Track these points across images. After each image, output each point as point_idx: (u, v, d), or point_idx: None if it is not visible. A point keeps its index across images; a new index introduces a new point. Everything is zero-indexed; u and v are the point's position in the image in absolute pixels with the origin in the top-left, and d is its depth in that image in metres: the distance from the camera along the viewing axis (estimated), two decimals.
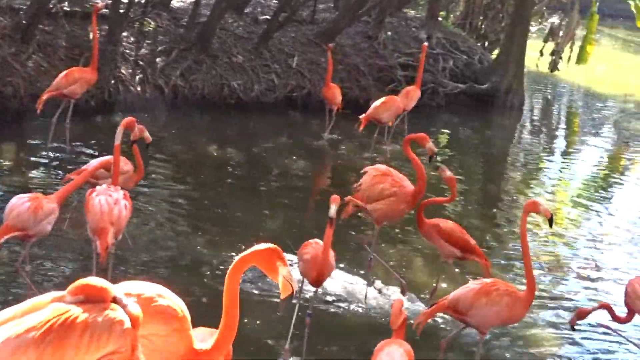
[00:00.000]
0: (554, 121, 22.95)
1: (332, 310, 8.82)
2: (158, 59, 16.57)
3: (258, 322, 8.04)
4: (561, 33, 23.56)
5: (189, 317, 4.54)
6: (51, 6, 15.73)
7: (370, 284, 9.32)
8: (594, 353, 8.76)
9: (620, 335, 8.51)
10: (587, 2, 23.66)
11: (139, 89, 15.90)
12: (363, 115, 14.25)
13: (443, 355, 7.65)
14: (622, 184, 16.20)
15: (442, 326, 8.67)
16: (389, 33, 20.48)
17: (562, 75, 25.01)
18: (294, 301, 7.68)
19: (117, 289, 3.77)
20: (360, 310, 8.90)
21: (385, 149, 15.24)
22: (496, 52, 22.70)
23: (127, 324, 3.69)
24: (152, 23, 17.42)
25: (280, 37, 18.47)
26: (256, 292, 8.78)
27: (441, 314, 7.99)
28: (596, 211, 13.76)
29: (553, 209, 7.97)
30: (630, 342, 8.46)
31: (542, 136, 20.26)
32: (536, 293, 7.54)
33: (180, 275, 9.08)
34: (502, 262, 10.74)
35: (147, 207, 11.04)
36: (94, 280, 3.76)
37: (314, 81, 17.86)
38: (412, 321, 8.55)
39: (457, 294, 7.44)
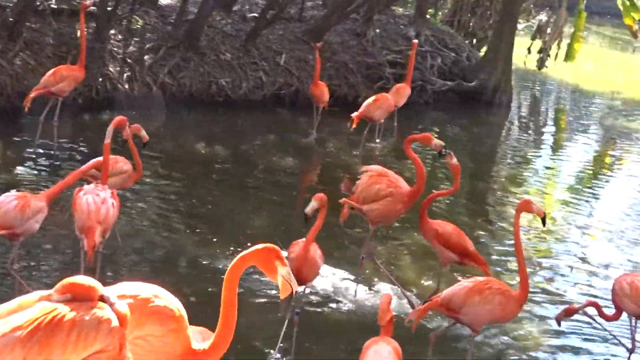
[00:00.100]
0: (542, 118, 23.00)
1: (321, 308, 8.82)
2: (146, 57, 16.54)
3: (244, 320, 8.04)
4: (549, 30, 23.59)
5: (186, 317, 4.53)
6: (38, 3, 15.69)
7: (360, 282, 9.31)
8: (580, 349, 8.79)
9: (611, 334, 8.54)
10: None
11: (126, 86, 15.87)
12: (355, 113, 14.25)
13: (432, 349, 7.64)
14: (609, 181, 16.26)
15: (428, 326, 8.67)
16: (378, 30, 20.49)
17: (550, 72, 25.06)
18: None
19: (107, 289, 3.77)
20: (349, 308, 8.90)
21: (374, 147, 15.25)
22: (484, 49, 22.72)
23: (115, 322, 3.68)
24: (140, 21, 17.39)
25: (269, 34, 18.45)
26: (241, 290, 8.77)
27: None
28: (584, 207, 13.80)
29: (541, 206, 8.01)
30: (617, 339, 8.48)
31: (530, 133, 20.31)
32: None
33: (168, 274, 9.06)
34: (492, 258, 10.75)
35: (136, 205, 11.03)
36: (82, 279, 3.75)
37: (302, 79, 17.86)
38: (403, 316, 8.59)
39: (450, 291, 7.44)
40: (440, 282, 9.11)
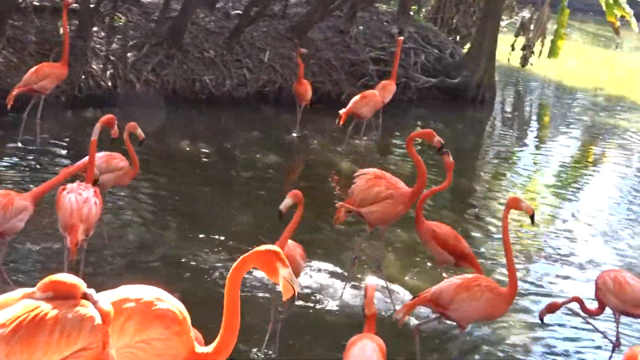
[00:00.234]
0: (525, 115, 23.06)
1: (306, 306, 8.81)
2: (129, 54, 16.50)
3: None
4: (532, 27, 23.63)
5: (189, 320, 4.52)
6: (20, 1, 15.63)
7: (345, 280, 9.30)
8: (565, 345, 8.82)
9: (595, 328, 8.57)
10: None
11: (109, 84, 15.83)
12: (343, 110, 14.26)
13: (418, 341, 7.64)
14: (593, 177, 16.31)
15: (412, 323, 8.68)
16: (361, 27, 20.49)
17: (533, 69, 25.12)
18: (269, 296, 7.67)
19: (109, 292, 3.75)
20: (334, 305, 8.89)
21: (358, 144, 15.26)
22: (467, 46, 22.75)
23: (98, 320, 3.67)
24: (123, 18, 17.35)
25: (252, 31, 18.43)
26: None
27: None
28: (568, 203, 13.84)
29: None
30: (603, 334, 8.51)
31: (514, 130, 20.36)
32: None
33: (152, 272, 9.04)
34: (478, 255, 10.75)
35: (119, 203, 11.00)
36: (64, 277, 3.74)
37: (285, 76, 17.84)
38: (386, 313, 8.60)
39: (439, 287, 7.45)
40: (427, 278, 9.13)
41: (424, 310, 8.39)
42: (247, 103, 17.31)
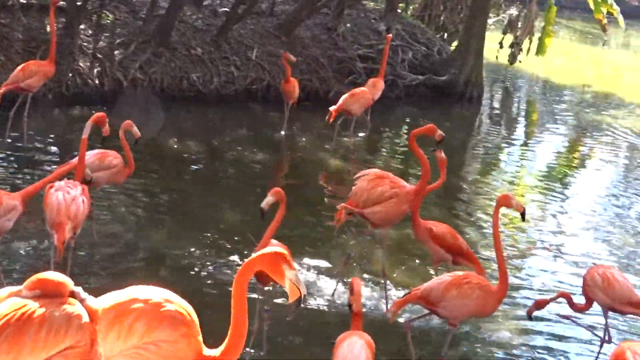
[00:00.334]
0: (513, 112, 23.10)
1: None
2: (116, 52, 16.45)
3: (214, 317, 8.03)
4: (520, 25, 23.65)
5: (197, 323, 4.51)
6: None
7: (334, 277, 9.29)
8: (552, 341, 8.84)
9: (578, 324, 8.59)
10: None
11: (97, 82, 15.79)
12: (333, 107, 14.25)
13: (410, 337, 7.63)
14: (580, 173, 16.36)
15: (400, 320, 8.68)
16: (348, 25, 20.48)
17: (521, 66, 25.14)
18: (256, 296, 7.65)
19: (116, 293, 3.74)
20: (322, 303, 8.89)
21: (347, 141, 15.26)
22: (455, 43, 22.76)
23: (85, 318, 3.66)
24: (110, 16, 17.30)
25: (240, 29, 18.39)
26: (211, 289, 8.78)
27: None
28: (556, 200, 13.86)
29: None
30: (591, 330, 8.52)
31: (502, 127, 20.37)
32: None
33: (141, 270, 9.04)
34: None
35: (107, 201, 10.97)
36: (51, 275, 3.73)
37: (273, 73, 17.81)
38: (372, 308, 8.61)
39: (430, 284, 7.46)
40: (417, 276, 9.14)
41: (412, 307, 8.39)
42: (235, 101, 17.27)
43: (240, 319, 4.49)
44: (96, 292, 4.22)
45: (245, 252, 9.18)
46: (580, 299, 8.11)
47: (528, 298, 9.45)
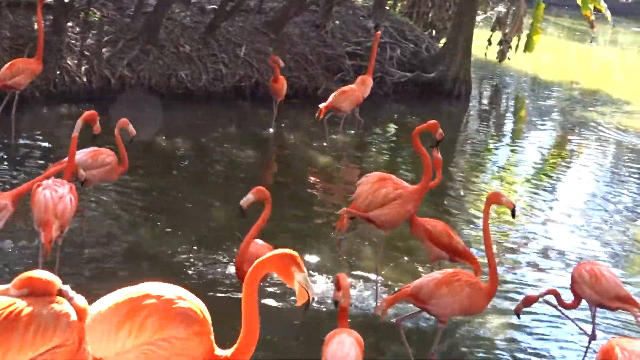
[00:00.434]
0: (502, 109, 23.13)
1: (283, 301, 8.79)
2: (104, 49, 16.41)
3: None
4: (508, 22, 23.70)
5: (210, 321, 4.49)
6: None
7: (322, 274, 9.27)
8: (541, 337, 8.85)
9: (568, 318, 8.60)
10: None
11: (84, 79, 15.74)
12: (323, 104, 14.25)
13: (403, 334, 7.63)
14: (569, 170, 16.38)
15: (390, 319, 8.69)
16: (337, 22, 20.47)
17: (510, 63, 25.19)
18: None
19: (128, 289, 3.71)
20: (314, 301, 8.87)
21: (336, 139, 15.25)
22: (443, 40, 22.77)
23: (73, 316, 3.65)
24: (98, 13, 17.26)
25: (228, 26, 18.37)
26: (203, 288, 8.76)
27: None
28: (544, 197, 13.88)
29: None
30: (579, 327, 8.53)
31: (490, 124, 20.41)
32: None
33: (129, 268, 9.01)
34: None
35: (96, 199, 10.94)
36: (39, 273, 3.71)
37: (261, 71, 17.79)
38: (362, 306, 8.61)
39: (420, 282, 7.45)
40: (407, 273, 9.14)
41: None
42: (224, 98, 17.25)
43: (252, 320, 4.49)
44: (84, 291, 4.20)
45: (235, 250, 9.16)
46: (569, 295, 8.12)
47: (517, 294, 9.45)
